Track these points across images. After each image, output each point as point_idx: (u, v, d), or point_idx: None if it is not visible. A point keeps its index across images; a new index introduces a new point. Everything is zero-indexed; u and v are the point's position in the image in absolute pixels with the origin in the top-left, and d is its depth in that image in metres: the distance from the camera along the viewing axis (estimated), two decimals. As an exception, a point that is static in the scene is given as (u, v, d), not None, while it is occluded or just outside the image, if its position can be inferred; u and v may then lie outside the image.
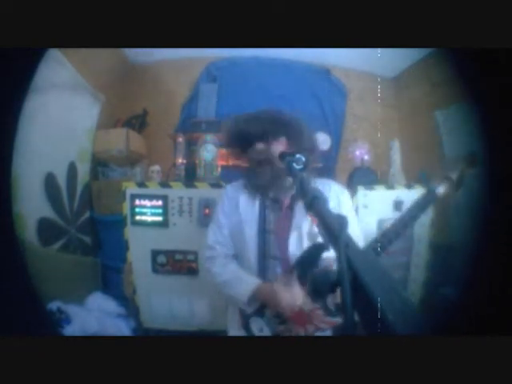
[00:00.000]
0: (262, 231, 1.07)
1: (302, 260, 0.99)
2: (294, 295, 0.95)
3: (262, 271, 1.05)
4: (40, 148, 1.84)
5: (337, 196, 1.10)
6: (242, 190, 1.13)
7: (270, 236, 1.06)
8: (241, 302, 1.03)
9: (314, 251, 0.96)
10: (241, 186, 1.14)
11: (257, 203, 1.09)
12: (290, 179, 1.01)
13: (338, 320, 1.00)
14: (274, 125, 1.04)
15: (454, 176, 1.22)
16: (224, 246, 1.11)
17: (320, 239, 0.99)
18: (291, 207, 1.08)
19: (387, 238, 1.12)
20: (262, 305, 1.02)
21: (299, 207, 1.05)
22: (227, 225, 1.11)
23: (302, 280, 0.97)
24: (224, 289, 1.07)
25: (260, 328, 1.02)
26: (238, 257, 1.12)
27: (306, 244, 1.05)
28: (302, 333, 1.00)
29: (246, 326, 1.04)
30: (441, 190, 1.21)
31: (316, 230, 1.04)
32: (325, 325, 1.01)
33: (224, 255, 1.11)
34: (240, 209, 1.09)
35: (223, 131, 1.17)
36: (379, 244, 1.12)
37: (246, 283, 1.02)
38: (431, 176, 2.07)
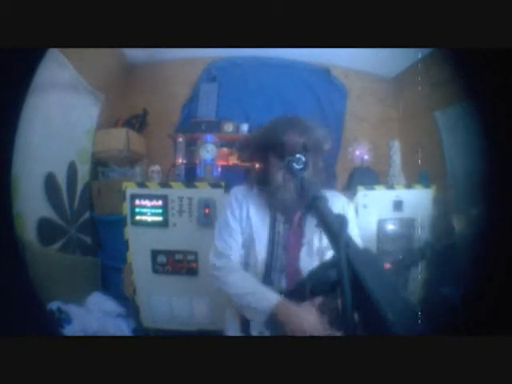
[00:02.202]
0: (272, 244, 1.05)
1: (311, 277, 1.00)
2: (314, 322, 0.92)
3: (267, 283, 1.03)
4: (40, 148, 1.84)
5: (343, 207, 1.10)
6: (250, 197, 1.09)
7: (279, 249, 1.05)
8: (258, 316, 0.98)
9: (323, 270, 0.97)
10: (248, 192, 1.10)
11: (267, 215, 1.07)
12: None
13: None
14: (309, 140, 1.00)
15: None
16: (237, 253, 1.07)
17: (328, 255, 1.00)
18: (302, 222, 1.07)
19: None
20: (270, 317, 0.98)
21: (310, 222, 1.04)
22: (238, 229, 1.07)
23: (310, 296, 0.97)
24: (239, 300, 1.02)
25: (260, 332, 1.00)
26: (244, 265, 1.09)
27: (316, 259, 1.04)
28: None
29: (245, 329, 1.03)
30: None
31: (325, 245, 1.04)
32: (330, 331, 0.99)
33: (238, 265, 1.06)
34: (251, 217, 1.07)
35: (252, 139, 1.11)
36: None
37: (267, 298, 0.97)
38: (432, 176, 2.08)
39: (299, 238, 1.06)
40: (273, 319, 0.97)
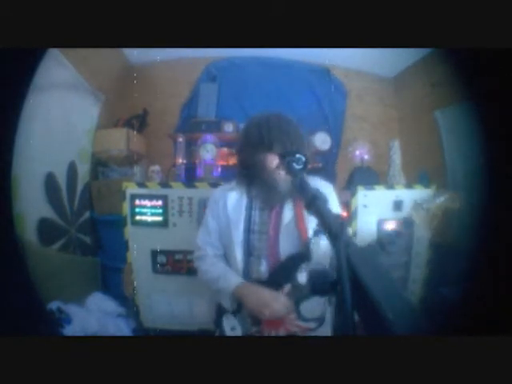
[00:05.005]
0: (248, 232, 1.10)
1: (284, 266, 1.04)
2: (273, 301, 0.98)
3: (247, 270, 1.09)
4: (40, 148, 1.84)
5: (324, 189, 1.12)
6: (229, 191, 1.15)
7: (255, 236, 1.09)
8: (224, 299, 1.07)
9: (295, 260, 1.00)
10: (227, 189, 1.16)
11: (244, 204, 1.12)
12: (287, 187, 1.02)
13: (311, 325, 1.02)
14: (287, 138, 1.02)
15: None
16: (213, 247, 1.16)
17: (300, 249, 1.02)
18: (281, 208, 1.10)
19: None
20: (239, 304, 1.05)
21: (288, 208, 1.08)
22: (215, 227, 1.15)
23: (282, 283, 1.01)
24: (211, 285, 1.12)
25: (232, 326, 1.04)
26: (226, 256, 1.16)
27: (294, 243, 1.06)
28: (273, 335, 1.03)
29: (218, 322, 1.08)
30: None
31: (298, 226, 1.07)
32: (296, 329, 1.02)
33: (213, 255, 1.16)
34: (228, 210, 1.12)
35: (240, 134, 1.17)
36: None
37: (229, 281, 1.06)
38: (432, 176, 2.08)
39: (278, 223, 1.09)
40: (239, 306, 1.04)
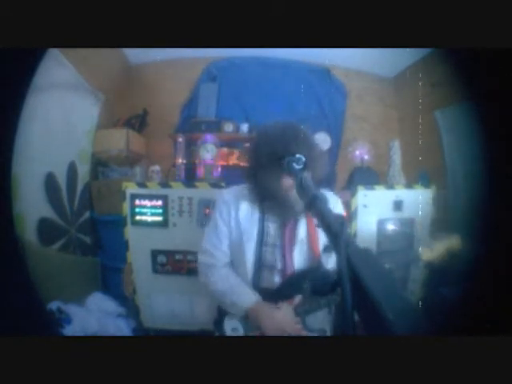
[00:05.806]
0: (260, 243, 1.07)
1: (295, 279, 1.02)
2: (285, 324, 0.97)
3: (257, 281, 1.07)
4: (40, 148, 1.84)
5: (332, 206, 1.10)
6: (241, 197, 1.10)
7: (268, 248, 1.07)
8: (232, 310, 1.04)
9: (307, 274, 0.99)
10: (239, 193, 1.12)
11: (257, 215, 1.09)
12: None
13: (314, 335, 1.02)
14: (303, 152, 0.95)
15: None
16: (223, 254, 1.11)
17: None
18: (295, 223, 1.08)
19: None
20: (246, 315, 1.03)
21: (302, 223, 1.07)
22: (226, 233, 1.11)
23: (292, 295, 1.00)
24: (219, 297, 1.08)
25: (234, 328, 1.04)
26: (233, 263, 1.13)
27: (309, 257, 1.06)
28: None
29: (218, 322, 1.07)
30: None
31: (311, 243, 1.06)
32: None
33: (223, 264, 1.11)
34: (240, 218, 1.09)
35: (251, 146, 1.12)
36: None
37: (242, 300, 1.02)
38: (432, 176, 2.08)
39: (292, 237, 1.08)
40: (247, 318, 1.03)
